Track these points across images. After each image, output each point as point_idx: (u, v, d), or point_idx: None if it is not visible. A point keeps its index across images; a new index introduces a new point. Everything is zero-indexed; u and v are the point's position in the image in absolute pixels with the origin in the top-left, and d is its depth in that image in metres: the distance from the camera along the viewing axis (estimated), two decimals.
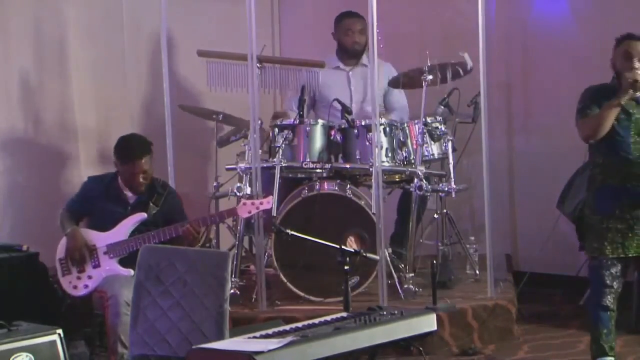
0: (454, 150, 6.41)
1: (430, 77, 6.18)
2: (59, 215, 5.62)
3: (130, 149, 5.58)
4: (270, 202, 5.53)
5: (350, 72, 6.84)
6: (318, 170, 6.19)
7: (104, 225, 5.50)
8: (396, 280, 6.05)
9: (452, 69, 6.19)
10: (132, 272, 5.29)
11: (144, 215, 5.48)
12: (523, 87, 7.53)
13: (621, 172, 4.78)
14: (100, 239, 5.47)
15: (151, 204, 5.54)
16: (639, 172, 4.75)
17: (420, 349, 4.26)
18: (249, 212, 5.48)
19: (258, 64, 6.04)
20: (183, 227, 5.37)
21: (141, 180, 5.54)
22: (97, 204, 5.58)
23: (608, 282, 4.85)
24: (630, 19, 6.83)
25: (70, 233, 5.50)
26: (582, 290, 6.48)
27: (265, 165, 6.06)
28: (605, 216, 4.81)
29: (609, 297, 4.86)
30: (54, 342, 4.86)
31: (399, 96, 6.89)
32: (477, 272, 6.56)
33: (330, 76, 6.68)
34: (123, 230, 5.46)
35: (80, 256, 5.44)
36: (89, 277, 5.43)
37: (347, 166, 6.24)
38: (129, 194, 5.61)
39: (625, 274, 4.90)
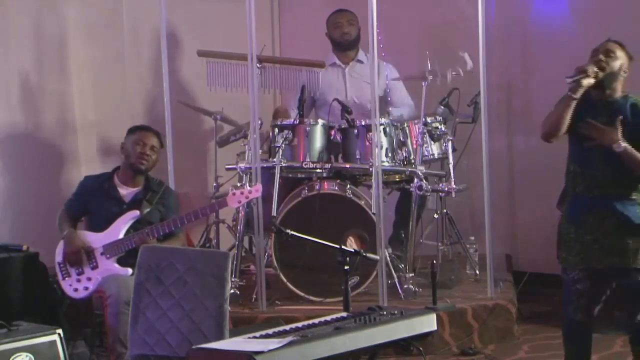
0: (454, 150, 6.41)
1: (431, 77, 6.19)
2: (57, 217, 5.62)
3: (141, 125, 5.79)
4: (259, 190, 5.52)
5: (347, 69, 6.85)
6: (318, 170, 6.19)
7: (101, 224, 5.50)
8: (396, 280, 6.05)
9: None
10: (130, 271, 5.30)
11: (137, 212, 5.48)
12: (523, 87, 7.53)
13: (585, 181, 4.58)
14: (96, 240, 5.47)
15: (145, 202, 5.54)
16: (603, 181, 4.52)
17: (420, 349, 4.26)
18: (239, 202, 5.48)
19: (258, 64, 6.04)
20: (175, 221, 5.38)
21: (143, 152, 5.54)
22: (93, 201, 5.58)
23: (575, 297, 4.66)
24: (630, 19, 6.84)
25: (66, 236, 5.50)
26: None
27: (265, 165, 6.07)
28: (573, 225, 4.61)
29: (575, 314, 4.66)
30: (54, 342, 4.87)
31: (402, 93, 6.87)
32: (477, 272, 6.57)
33: (327, 74, 6.68)
34: (117, 229, 5.46)
35: (78, 259, 5.43)
36: (88, 279, 5.43)
37: (347, 166, 6.25)
38: (124, 191, 5.61)
39: (599, 289, 4.64)
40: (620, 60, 4.51)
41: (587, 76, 4.43)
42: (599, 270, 4.57)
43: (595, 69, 4.45)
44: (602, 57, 4.48)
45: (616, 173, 4.48)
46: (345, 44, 6.82)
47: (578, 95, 4.45)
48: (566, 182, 4.71)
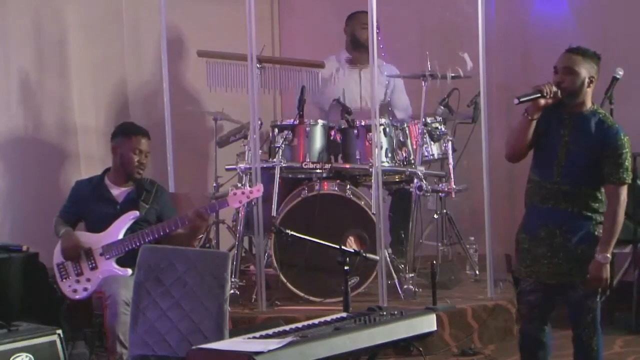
0: (453, 150, 6.41)
1: (431, 77, 6.19)
2: (54, 222, 5.61)
3: (133, 126, 5.66)
4: (260, 190, 5.52)
5: (362, 70, 6.84)
6: (318, 171, 6.19)
7: (97, 226, 5.49)
8: (396, 280, 6.05)
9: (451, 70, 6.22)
10: (129, 271, 5.30)
11: (137, 213, 5.48)
12: (523, 87, 7.49)
13: (542, 192, 4.42)
14: (95, 240, 5.46)
15: (141, 202, 5.53)
16: (558, 195, 4.37)
17: (420, 349, 4.26)
18: (240, 202, 5.47)
19: (258, 64, 6.04)
20: (175, 221, 5.37)
21: (138, 161, 5.53)
22: (86, 205, 5.58)
23: (526, 309, 4.57)
24: (629, 19, 6.84)
25: (64, 235, 5.49)
26: None
27: (265, 166, 6.06)
28: (528, 236, 4.48)
29: (530, 326, 4.57)
30: (54, 342, 4.87)
31: (402, 96, 6.90)
32: (477, 272, 6.57)
33: (344, 73, 6.70)
34: (117, 230, 5.45)
35: (77, 256, 5.43)
36: (87, 280, 5.42)
37: (347, 166, 6.25)
38: (116, 192, 5.60)
39: (551, 303, 4.55)
40: (582, 74, 4.33)
41: (544, 97, 4.29)
42: (550, 283, 4.48)
43: (554, 89, 4.30)
44: (560, 78, 4.33)
45: (574, 189, 4.37)
46: (367, 48, 6.77)
47: (536, 116, 4.33)
48: (525, 191, 4.57)
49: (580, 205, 4.37)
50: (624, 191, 4.35)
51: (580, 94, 4.35)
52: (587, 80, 4.34)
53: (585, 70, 4.34)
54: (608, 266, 4.33)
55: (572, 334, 4.53)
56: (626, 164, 4.32)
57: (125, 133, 5.60)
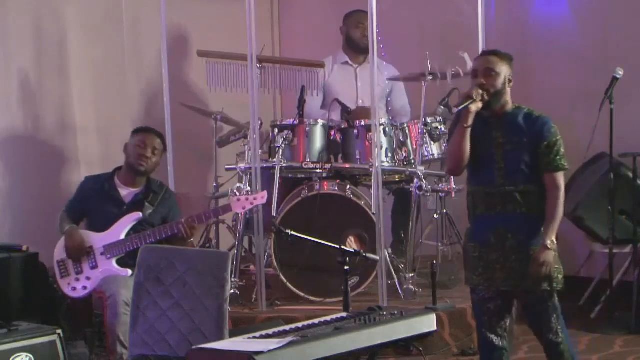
0: None
1: (430, 77, 6.19)
2: (58, 217, 5.62)
3: (143, 126, 5.82)
4: (264, 197, 5.53)
5: (358, 69, 6.83)
6: (318, 170, 6.19)
7: (101, 225, 5.50)
8: (396, 280, 6.05)
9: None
10: (129, 272, 5.31)
11: (140, 214, 5.49)
12: (523, 87, 7.49)
13: (487, 200, 4.42)
14: (96, 239, 5.47)
15: (147, 204, 5.55)
16: (504, 200, 4.36)
17: (420, 349, 4.25)
18: (244, 208, 5.49)
19: (258, 64, 6.04)
20: (177, 225, 5.38)
21: (143, 154, 5.56)
22: (93, 203, 5.59)
23: (486, 318, 4.49)
24: (629, 19, 6.84)
25: (68, 232, 5.50)
26: (582, 290, 6.48)
27: (265, 166, 6.07)
28: (477, 244, 4.46)
29: (491, 335, 4.47)
30: (54, 342, 4.88)
31: (400, 97, 6.89)
32: None
33: (339, 73, 6.70)
34: (119, 230, 5.47)
35: (80, 254, 5.43)
36: (87, 279, 5.43)
37: (347, 166, 6.25)
38: (124, 192, 5.61)
39: (509, 308, 4.50)
40: (502, 74, 4.38)
41: (474, 101, 4.31)
42: (504, 290, 4.46)
43: (481, 92, 4.33)
44: (483, 80, 4.35)
45: (518, 189, 4.35)
46: (363, 47, 6.76)
47: (470, 122, 4.33)
48: (467, 205, 4.59)
49: (527, 205, 4.36)
50: (561, 178, 4.37)
51: (504, 93, 4.41)
52: (507, 79, 4.41)
53: (503, 71, 4.41)
54: (551, 253, 4.31)
55: (541, 340, 4.44)
56: (562, 151, 4.36)
57: (135, 132, 5.73)
